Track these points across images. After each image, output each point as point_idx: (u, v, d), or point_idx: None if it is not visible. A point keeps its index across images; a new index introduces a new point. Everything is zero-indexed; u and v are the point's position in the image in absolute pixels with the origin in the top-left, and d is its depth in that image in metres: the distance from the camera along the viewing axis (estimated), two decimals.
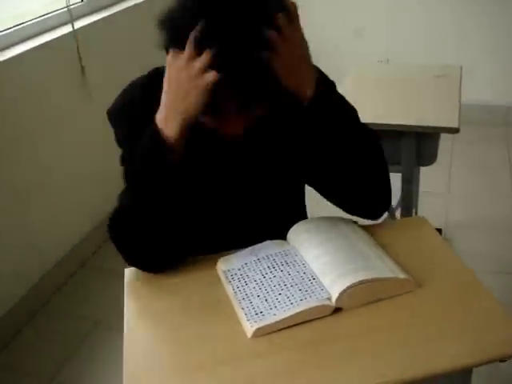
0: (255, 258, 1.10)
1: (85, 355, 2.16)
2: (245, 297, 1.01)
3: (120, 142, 1.17)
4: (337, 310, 0.99)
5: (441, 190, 3.13)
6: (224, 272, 1.08)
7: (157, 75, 1.14)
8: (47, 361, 2.13)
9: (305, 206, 1.38)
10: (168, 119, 1.00)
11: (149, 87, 1.13)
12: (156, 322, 1.04)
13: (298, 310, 0.97)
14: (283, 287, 1.02)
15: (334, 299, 0.98)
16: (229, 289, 1.05)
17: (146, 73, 1.19)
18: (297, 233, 1.15)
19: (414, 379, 0.87)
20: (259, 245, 1.14)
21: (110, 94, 1.24)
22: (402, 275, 1.02)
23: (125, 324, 1.02)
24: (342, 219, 1.19)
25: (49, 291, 2.45)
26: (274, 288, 1.02)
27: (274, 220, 1.23)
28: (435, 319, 0.97)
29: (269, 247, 1.13)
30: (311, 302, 0.97)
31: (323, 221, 1.18)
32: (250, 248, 1.14)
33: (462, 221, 2.86)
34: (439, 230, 2.66)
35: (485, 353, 0.90)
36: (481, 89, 3.73)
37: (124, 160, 1.14)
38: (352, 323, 0.97)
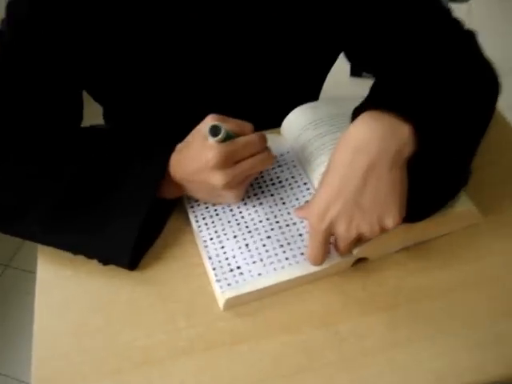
0: None
1: None
2: (216, 242, 0.64)
3: (13, 6, 0.68)
4: (357, 262, 0.63)
5: None
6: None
7: None
8: None
9: (320, 88, 0.96)
10: (182, 185, 0.66)
11: None
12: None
13: (298, 271, 0.61)
14: (274, 226, 0.65)
15: (354, 248, 0.61)
16: (193, 223, 0.67)
17: None
18: (297, 124, 0.74)
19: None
20: None
21: None
22: (462, 204, 0.64)
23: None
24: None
25: None
26: (261, 226, 0.65)
27: (275, 103, 0.83)
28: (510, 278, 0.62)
29: None
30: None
31: (338, 105, 0.77)
32: None
33: None
34: None
35: None
36: None
37: (3, 38, 0.69)
38: (381, 283, 0.62)
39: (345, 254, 0.60)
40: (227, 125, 0.61)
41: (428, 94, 0.61)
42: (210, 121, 0.62)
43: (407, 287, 0.61)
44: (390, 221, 0.55)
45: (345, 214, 0.55)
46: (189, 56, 0.74)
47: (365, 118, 0.56)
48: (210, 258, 0.63)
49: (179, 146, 0.65)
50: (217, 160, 0.60)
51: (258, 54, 0.76)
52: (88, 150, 0.68)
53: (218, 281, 0.60)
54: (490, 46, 0.81)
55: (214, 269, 0.62)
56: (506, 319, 0.58)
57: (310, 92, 0.93)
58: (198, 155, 0.61)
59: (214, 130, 0.59)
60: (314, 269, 0.60)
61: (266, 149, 0.64)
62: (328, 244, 0.58)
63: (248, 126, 0.63)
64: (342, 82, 2.24)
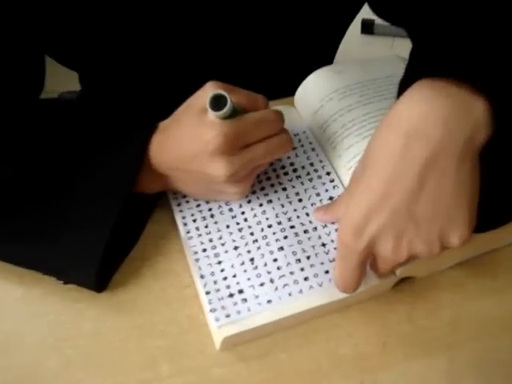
0: None
1: None
2: (210, 255, 0.48)
3: None
4: (400, 282, 0.47)
5: None
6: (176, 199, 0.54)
7: None
8: None
9: (337, 48, 0.77)
10: (167, 176, 0.50)
11: None
12: None
13: (321, 297, 0.45)
14: (287, 232, 0.49)
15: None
16: (181, 228, 0.51)
17: None
18: (317, 92, 0.57)
19: None
20: None
21: None
22: None
23: None
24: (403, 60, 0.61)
25: None
26: (271, 233, 0.49)
27: (286, 65, 0.67)
28: None
29: None
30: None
31: (369, 67, 0.59)
32: None
33: None
34: None
35: None
36: None
37: None
38: (433, 313, 0.46)
39: (385, 276, 0.44)
40: (234, 96, 0.45)
41: (499, 52, 0.43)
42: (210, 89, 0.45)
43: (469, 317, 0.45)
44: (455, 238, 0.39)
45: (392, 228, 0.39)
46: (183, 6, 0.56)
47: (420, 91, 0.39)
48: (202, 276, 0.47)
49: (164, 123, 0.49)
50: (220, 142, 0.44)
51: (266, 2, 0.58)
52: (43, 132, 0.51)
53: (213, 310, 0.44)
54: None
55: (207, 293, 0.46)
56: None
57: (326, 52, 0.76)
58: (192, 135, 0.45)
59: (217, 102, 0.43)
60: (343, 295, 0.44)
61: (284, 130, 0.47)
62: (365, 267, 0.42)
63: (261, 98, 0.47)
64: (353, 39, 2.07)
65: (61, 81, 0.77)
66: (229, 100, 0.43)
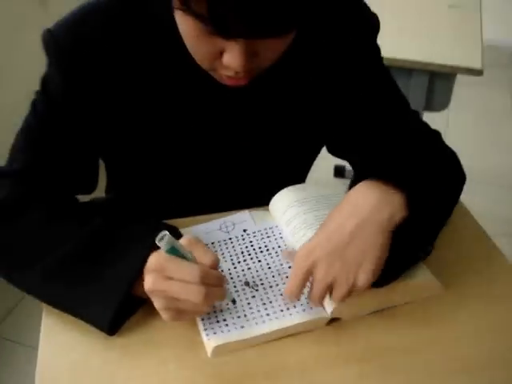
0: (226, 238, 0.81)
1: None
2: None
3: (49, 83, 0.77)
4: (332, 321, 0.71)
5: None
6: None
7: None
8: None
9: (305, 176, 1.05)
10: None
11: (115, 20, 0.74)
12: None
13: (277, 325, 0.68)
14: (258, 286, 0.73)
15: (329, 307, 0.69)
16: None
17: None
18: (284, 201, 0.84)
19: None
20: (233, 216, 0.84)
21: None
22: (425, 276, 0.74)
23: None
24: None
25: None
26: (246, 288, 0.73)
27: (266, 186, 0.91)
28: (467, 340, 0.70)
29: (245, 221, 0.83)
30: (296, 316, 0.69)
31: (323, 189, 0.87)
32: (221, 220, 0.84)
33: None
34: None
35: None
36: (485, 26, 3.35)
37: (36, 110, 0.78)
38: (353, 340, 0.70)
39: (316, 303, 0.67)
40: (191, 248, 0.64)
41: (413, 172, 0.73)
42: (182, 240, 0.65)
43: (377, 345, 0.69)
44: (363, 278, 0.64)
45: (328, 258, 0.64)
46: (196, 141, 0.83)
47: (362, 186, 0.68)
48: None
49: None
50: (151, 263, 0.63)
51: (254, 146, 0.86)
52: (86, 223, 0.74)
53: (205, 329, 0.67)
54: (465, 155, 0.94)
55: (202, 319, 0.69)
56: (460, 374, 0.66)
57: (296, 178, 1.03)
58: None
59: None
60: (291, 323, 0.68)
61: (201, 288, 0.62)
62: (305, 283, 0.66)
63: (208, 257, 0.64)
64: (327, 182, 2.39)
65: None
66: (166, 238, 0.61)
